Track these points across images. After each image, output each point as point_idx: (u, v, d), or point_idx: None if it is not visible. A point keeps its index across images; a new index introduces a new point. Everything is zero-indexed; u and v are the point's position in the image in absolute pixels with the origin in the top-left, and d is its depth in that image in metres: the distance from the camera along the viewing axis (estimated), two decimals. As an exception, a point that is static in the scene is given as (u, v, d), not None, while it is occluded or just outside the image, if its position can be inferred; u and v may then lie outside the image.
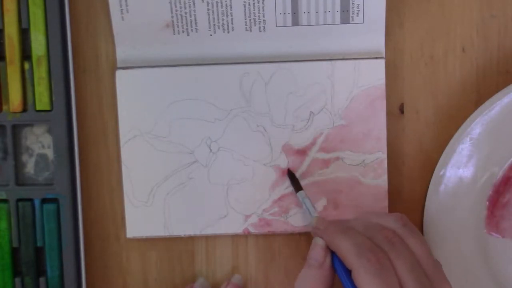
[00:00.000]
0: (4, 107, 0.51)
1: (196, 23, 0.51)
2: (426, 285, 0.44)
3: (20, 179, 0.51)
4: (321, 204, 0.52)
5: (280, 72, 0.51)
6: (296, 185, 0.51)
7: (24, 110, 0.50)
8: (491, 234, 0.52)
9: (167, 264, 0.54)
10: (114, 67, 0.52)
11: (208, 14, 0.51)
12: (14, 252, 0.51)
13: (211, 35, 0.51)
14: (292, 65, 0.51)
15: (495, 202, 0.52)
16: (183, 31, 0.51)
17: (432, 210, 0.52)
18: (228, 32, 0.51)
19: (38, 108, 0.50)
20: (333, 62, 0.51)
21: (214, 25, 0.51)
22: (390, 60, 0.52)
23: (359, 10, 0.50)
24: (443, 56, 0.52)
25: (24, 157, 0.52)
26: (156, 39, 0.51)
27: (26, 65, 0.50)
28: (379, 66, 0.51)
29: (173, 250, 0.54)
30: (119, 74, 0.52)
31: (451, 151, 0.51)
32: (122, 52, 0.52)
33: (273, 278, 0.54)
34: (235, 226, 0.53)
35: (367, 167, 0.52)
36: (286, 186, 0.52)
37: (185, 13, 0.51)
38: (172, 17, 0.51)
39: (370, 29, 0.51)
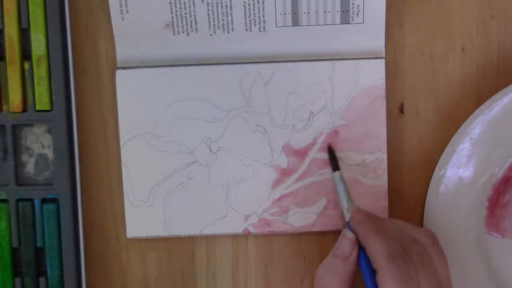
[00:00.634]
0: (4, 107, 0.51)
1: (196, 23, 0.51)
2: None
3: (20, 179, 0.51)
4: (321, 204, 0.52)
5: (280, 72, 0.51)
6: (334, 163, 0.51)
7: (24, 110, 0.50)
8: (491, 234, 0.52)
9: (167, 264, 0.54)
10: (114, 67, 0.52)
11: (208, 14, 0.51)
12: (14, 252, 0.51)
13: (211, 35, 0.51)
14: (292, 65, 0.51)
15: (495, 202, 0.52)
16: (183, 31, 0.51)
17: (432, 210, 0.52)
18: (228, 32, 0.51)
19: (38, 108, 0.50)
20: (333, 62, 0.51)
21: (214, 25, 0.51)
22: (390, 60, 0.52)
23: (359, 10, 0.50)
24: (443, 56, 0.52)
25: (24, 157, 0.52)
26: (156, 39, 0.51)
27: (26, 65, 0.50)
28: (379, 66, 0.51)
29: (173, 250, 0.54)
30: (119, 74, 0.52)
31: (451, 151, 0.51)
32: (122, 52, 0.52)
33: (273, 278, 0.54)
34: (235, 226, 0.53)
35: (367, 167, 0.52)
36: (286, 186, 0.52)
37: (185, 13, 0.51)
38: (172, 17, 0.51)
39: (370, 29, 0.51)
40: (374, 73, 0.51)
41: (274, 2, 0.50)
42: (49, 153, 0.52)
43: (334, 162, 0.51)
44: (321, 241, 0.54)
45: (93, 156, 0.53)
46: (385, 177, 0.52)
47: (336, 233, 0.53)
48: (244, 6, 0.50)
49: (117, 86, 0.52)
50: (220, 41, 0.51)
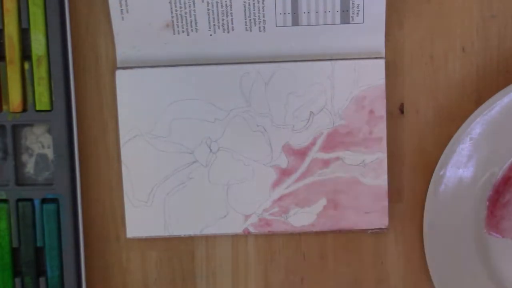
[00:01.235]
0: (4, 107, 0.51)
1: (196, 23, 0.51)
2: None
3: (20, 179, 0.51)
4: (321, 204, 0.52)
5: (280, 72, 0.51)
6: None
7: (24, 110, 0.50)
8: (491, 234, 0.52)
9: (167, 264, 0.54)
10: (114, 67, 0.52)
11: (208, 14, 0.51)
12: (14, 252, 0.51)
13: (211, 35, 0.51)
14: (292, 65, 0.51)
15: (495, 202, 0.52)
16: (183, 31, 0.51)
17: (432, 210, 0.52)
18: (228, 32, 0.51)
19: (38, 108, 0.50)
20: (333, 62, 0.51)
21: (214, 25, 0.51)
22: (390, 60, 0.52)
23: (359, 10, 0.50)
24: (443, 56, 0.52)
25: (24, 157, 0.52)
26: (156, 39, 0.51)
27: (26, 65, 0.50)
28: (379, 66, 0.51)
29: (173, 250, 0.54)
30: (119, 74, 0.52)
31: (451, 151, 0.51)
32: (122, 52, 0.52)
33: (273, 278, 0.54)
34: (235, 226, 0.53)
35: (367, 167, 0.52)
36: (286, 186, 0.52)
37: (185, 13, 0.51)
38: (172, 17, 0.51)
39: (370, 29, 0.51)
40: (374, 73, 0.51)
41: (274, 2, 0.50)
42: (49, 153, 0.52)
43: None
44: (321, 241, 0.54)
45: (93, 156, 0.53)
46: (385, 177, 0.52)
47: (336, 233, 0.53)
48: (244, 6, 0.50)
49: (117, 86, 0.52)
50: (220, 41, 0.51)
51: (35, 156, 0.52)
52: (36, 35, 0.50)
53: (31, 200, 0.51)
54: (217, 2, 0.50)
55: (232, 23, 0.51)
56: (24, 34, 0.50)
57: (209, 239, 0.54)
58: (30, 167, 0.52)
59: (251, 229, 0.53)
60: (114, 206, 0.53)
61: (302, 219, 0.53)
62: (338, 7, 0.50)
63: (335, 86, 0.51)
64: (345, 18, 0.51)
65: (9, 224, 0.51)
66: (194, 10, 0.50)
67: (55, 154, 0.50)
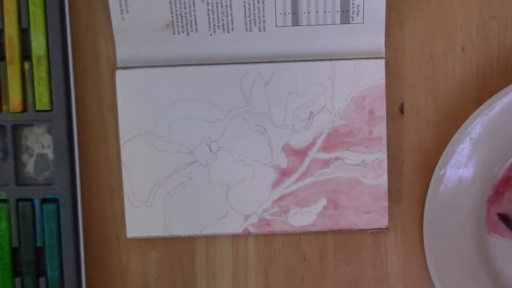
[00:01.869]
0: (4, 107, 0.51)
1: (196, 23, 0.51)
2: None
3: (20, 179, 0.51)
4: (321, 204, 0.52)
5: (280, 72, 0.51)
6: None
7: (24, 110, 0.50)
8: (491, 234, 0.52)
9: (167, 264, 0.54)
10: (114, 67, 0.52)
11: (208, 14, 0.51)
12: (14, 252, 0.51)
13: (211, 35, 0.51)
14: (292, 65, 0.51)
15: (495, 202, 0.52)
16: (183, 31, 0.51)
17: (432, 210, 0.52)
18: (228, 32, 0.51)
19: (38, 108, 0.50)
20: (333, 62, 0.51)
21: (214, 25, 0.51)
22: (390, 60, 0.52)
23: (359, 10, 0.50)
24: (443, 56, 0.52)
25: (24, 157, 0.52)
26: (156, 39, 0.51)
27: (26, 65, 0.50)
28: (379, 66, 0.51)
29: (173, 250, 0.54)
30: (119, 74, 0.52)
31: (451, 151, 0.51)
32: (122, 52, 0.52)
33: (273, 278, 0.54)
34: (235, 226, 0.53)
35: (367, 167, 0.52)
36: (286, 186, 0.52)
37: (185, 13, 0.51)
38: (172, 17, 0.51)
39: (370, 29, 0.51)
40: (374, 73, 0.51)
41: (274, 2, 0.50)
42: (49, 153, 0.52)
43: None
44: (321, 241, 0.54)
45: (93, 156, 0.53)
46: (385, 177, 0.52)
47: (336, 233, 0.53)
48: (244, 6, 0.50)
49: (117, 86, 0.52)
50: (220, 41, 0.51)
51: (35, 156, 0.52)
52: (36, 35, 0.50)
53: (31, 200, 0.51)
54: (217, 2, 0.50)
55: (232, 23, 0.51)
56: (24, 34, 0.50)
57: (209, 239, 0.54)
58: (30, 167, 0.52)
59: (251, 229, 0.53)
60: (114, 206, 0.53)
61: (302, 219, 0.53)
62: (338, 7, 0.50)
63: (335, 86, 0.51)
64: (345, 18, 0.51)
65: (9, 224, 0.51)
66: (194, 10, 0.50)
67: (55, 154, 0.50)
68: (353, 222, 0.52)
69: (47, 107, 0.50)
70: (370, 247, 0.54)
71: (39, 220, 0.51)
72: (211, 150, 0.52)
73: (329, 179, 0.52)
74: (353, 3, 0.50)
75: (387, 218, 0.52)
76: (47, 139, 0.52)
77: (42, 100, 0.50)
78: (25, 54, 0.50)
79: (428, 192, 0.52)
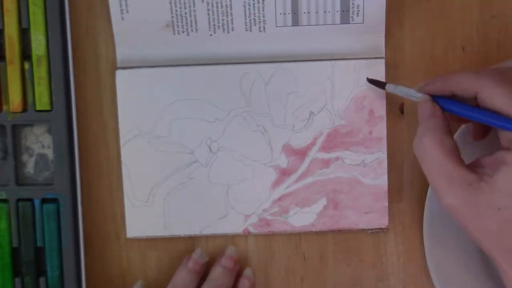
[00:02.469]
0: (4, 107, 0.51)
1: (196, 23, 0.51)
2: None
3: (20, 179, 0.51)
4: (321, 204, 0.52)
5: (280, 72, 0.51)
6: (378, 83, 0.50)
7: (24, 110, 0.50)
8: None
9: (167, 264, 0.54)
10: (114, 67, 0.52)
11: (208, 14, 0.51)
12: (14, 252, 0.51)
13: (211, 35, 0.51)
14: (292, 65, 0.51)
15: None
16: (183, 31, 0.51)
17: (432, 210, 0.52)
18: (228, 32, 0.51)
19: (38, 108, 0.50)
20: (333, 62, 0.51)
21: (214, 25, 0.51)
22: (390, 60, 0.52)
23: (359, 10, 0.50)
24: (443, 56, 0.52)
25: (24, 157, 0.52)
26: (156, 39, 0.51)
27: (26, 65, 0.50)
28: (379, 66, 0.51)
29: (173, 250, 0.54)
30: (119, 74, 0.52)
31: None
32: (122, 52, 0.52)
33: (273, 278, 0.54)
34: (235, 226, 0.53)
35: (367, 167, 0.52)
36: (286, 186, 0.52)
37: (185, 13, 0.51)
38: (172, 17, 0.51)
39: (370, 29, 0.51)
40: (374, 73, 0.51)
41: (274, 2, 0.50)
42: (49, 153, 0.52)
43: (377, 83, 0.50)
44: (321, 241, 0.54)
45: (93, 156, 0.53)
46: (385, 177, 0.52)
47: (336, 233, 0.53)
48: (244, 6, 0.50)
49: (117, 86, 0.52)
50: (220, 41, 0.51)
51: (35, 156, 0.52)
52: (36, 35, 0.50)
53: (31, 200, 0.51)
54: (217, 2, 0.50)
55: (232, 23, 0.51)
56: (24, 34, 0.50)
57: (209, 239, 0.54)
58: (30, 167, 0.52)
59: (251, 229, 0.53)
60: (114, 206, 0.53)
61: (302, 219, 0.53)
62: (338, 7, 0.50)
63: (335, 86, 0.52)
64: (345, 18, 0.51)
65: (9, 224, 0.51)
66: (194, 10, 0.50)
67: (55, 154, 0.50)
68: (353, 222, 0.53)
69: (47, 107, 0.50)
70: (370, 247, 0.54)
71: (39, 220, 0.51)
72: (211, 150, 0.52)
73: (329, 179, 0.52)
74: (353, 3, 0.50)
75: (387, 218, 0.52)
76: (47, 139, 0.52)
77: (42, 100, 0.50)
78: (25, 54, 0.50)
79: (428, 192, 0.52)
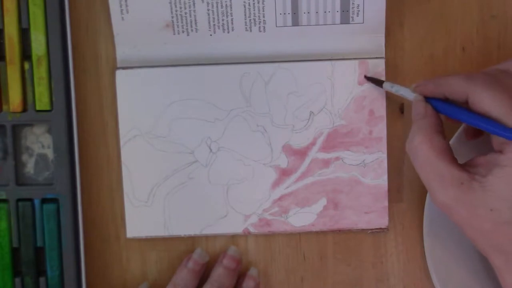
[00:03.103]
0: (4, 107, 0.51)
1: (196, 23, 0.51)
2: None
3: (20, 179, 0.51)
4: (321, 204, 0.52)
5: (280, 72, 0.51)
6: (376, 81, 0.51)
7: (24, 110, 0.50)
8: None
9: (167, 264, 0.54)
10: (114, 67, 0.52)
11: (208, 14, 0.51)
12: (14, 252, 0.51)
13: (211, 35, 0.51)
14: (292, 65, 0.51)
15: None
16: (183, 31, 0.51)
17: (432, 210, 0.52)
18: (228, 32, 0.51)
19: (38, 108, 0.50)
20: (333, 62, 0.51)
21: (214, 25, 0.51)
22: (390, 60, 0.52)
23: (359, 10, 0.50)
24: (443, 56, 0.52)
25: (24, 157, 0.52)
26: (156, 39, 0.51)
27: (26, 65, 0.50)
28: (379, 66, 0.51)
29: (173, 250, 0.54)
30: (119, 74, 0.52)
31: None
32: (122, 52, 0.52)
33: (273, 278, 0.54)
34: (235, 226, 0.53)
35: (367, 167, 0.52)
36: (286, 186, 0.52)
37: (185, 13, 0.51)
38: (172, 17, 0.51)
39: (370, 29, 0.51)
40: (374, 73, 0.51)
41: (274, 2, 0.50)
42: (49, 153, 0.52)
43: (375, 81, 0.51)
44: (321, 241, 0.54)
45: (93, 156, 0.53)
46: (385, 177, 0.52)
47: (336, 233, 0.53)
48: (244, 6, 0.50)
49: (117, 86, 0.52)
50: (220, 41, 0.51)
51: (35, 156, 0.52)
52: (36, 35, 0.50)
53: (31, 200, 0.51)
54: (217, 2, 0.50)
55: (232, 23, 0.51)
56: (24, 34, 0.50)
57: (209, 239, 0.54)
58: (30, 167, 0.52)
59: (251, 229, 0.53)
60: (114, 206, 0.53)
61: (302, 219, 0.53)
62: (338, 7, 0.50)
63: (335, 86, 0.52)
64: (345, 18, 0.51)
65: (9, 224, 0.51)
66: (194, 10, 0.50)
67: (55, 154, 0.50)
68: (353, 222, 0.53)
69: (47, 107, 0.50)
70: (370, 247, 0.54)
71: (39, 220, 0.51)
72: (211, 150, 0.52)
73: (329, 179, 0.52)
74: (353, 3, 0.50)
75: (387, 218, 0.52)
76: (47, 139, 0.52)
77: (42, 100, 0.50)
78: (25, 54, 0.50)
79: (428, 192, 0.52)
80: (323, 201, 0.52)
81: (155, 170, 0.52)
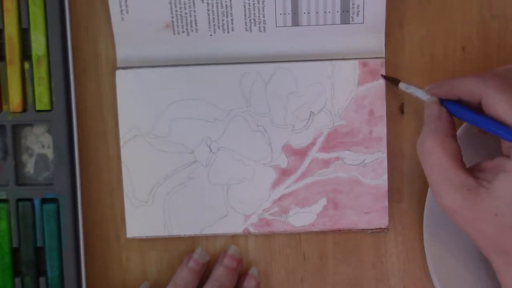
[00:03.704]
0: (4, 107, 0.51)
1: (196, 23, 0.51)
2: None
3: (20, 179, 0.51)
4: (321, 204, 0.52)
5: (280, 72, 0.51)
6: (392, 80, 0.51)
7: (24, 110, 0.50)
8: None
9: (167, 264, 0.54)
10: (114, 67, 0.52)
11: (208, 14, 0.51)
12: (14, 252, 0.51)
13: (211, 35, 0.51)
14: (292, 65, 0.51)
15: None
16: (183, 31, 0.51)
17: (432, 210, 0.52)
18: (228, 32, 0.51)
19: (38, 108, 0.50)
20: (333, 62, 0.51)
21: (214, 25, 0.51)
22: (390, 60, 0.52)
23: (359, 10, 0.50)
24: (443, 56, 0.52)
25: (24, 157, 0.52)
26: (156, 39, 0.51)
27: (26, 65, 0.50)
28: (379, 66, 0.51)
29: (173, 250, 0.54)
30: (119, 74, 0.52)
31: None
32: (122, 52, 0.52)
33: (273, 278, 0.54)
34: (235, 226, 0.53)
35: (367, 167, 0.52)
36: (286, 186, 0.52)
37: (185, 13, 0.51)
38: (172, 17, 0.51)
39: (370, 29, 0.51)
40: (374, 73, 0.51)
41: (274, 2, 0.50)
42: (49, 153, 0.52)
43: (391, 80, 0.51)
44: (321, 241, 0.54)
45: (93, 156, 0.53)
46: (385, 177, 0.52)
47: (336, 233, 0.53)
48: (244, 6, 0.50)
49: (117, 86, 0.52)
50: (220, 41, 0.51)
51: (35, 156, 0.52)
52: (36, 35, 0.50)
53: (31, 200, 0.51)
54: (217, 2, 0.50)
55: (232, 23, 0.51)
56: (24, 34, 0.50)
57: (209, 239, 0.54)
58: (30, 167, 0.52)
59: (251, 229, 0.53)
60: (114, 206, 0.53)
61: (302, 219, 0.53)
62: (338, 7, 0.50)
63: (335, 86, 0.52)
64: (345, 18, 0.51)
65: (9, 224, 0.51)
66: (194, 10, 0.50)
67: (55, 154, 0.50)
68: (353, 222, 0.53)
69: (47, 107, 0.50)
70: (370, 247, 0.54)
71: (39, 220, 0.51)
72: (211, 150, 0.52)
73: (329, 179, 0.52)
74: (353, 3, 0.50)
75: (387, 218, 0.52)
76: (47, 139, 0.52)
77: (42, 100, 0.50)
78: (25, 54, 0.50)
79: (428, 192, 0.52)
80: (323, 201, 0.52)
81: (155, 170, 0.52)
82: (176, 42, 0.51)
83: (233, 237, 0.54)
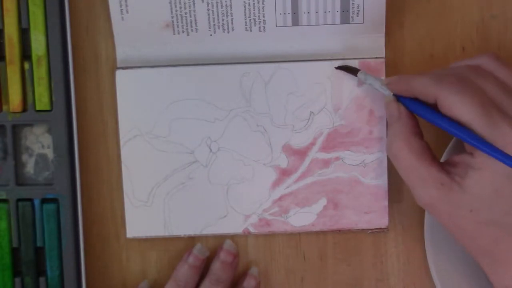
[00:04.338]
0: (4, 107, 0.51)
1: (196, 23, 0.51)
2: None
3: (20, 179, 0.51)
4: (321, 204, 0.52)
5: (280, 72, 0.51)
6: (350, 70, 0.51)
7: (24, 110, 0.50)
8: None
9: (167, 264, 0.54)
10: (114, 67, 0.52)
11: (208, 14, 0.51)
12: (14, 252, 0.51)
13: (211, 35, 0.51)
14: (292, 65, 0.51)
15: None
16: (183, 31, 0.51)
17: (432, 210, 0.52)
18: (228, 32, 0.51)
19: (38, 108, 0.50)
20: (333, 62, 0.51)
21: (214, 25, 0.51)
22: (390, 60, 0.52)
23: (359, 10, 0.50)
24: (443, 56, 0.52)
25: (24, 157, 0.52)
26: (156, 39, 0.51)
27: (26, 65, 0.50)
28: (379, 66, 0.51)
29: (173, 250, 0.54)
30: (119, 74, 0.52)
31: (452, 151, 0.51)
32: (122, 52, 0.52)
33: (273, 278, 0.54)
34: (235, 226, 0.53)
35: (367, 167, 0.52)
36: (286, 186, 0.52)
37: (185, 13, 0.51)
38: (172, 17, 0.51)
39: (370, 29, 0.51)
40: (374, 73, 0.51)
41: (274, 2, 0.50)
42: (49, 153, 0.52)
43: (350, 70, 0.51)
44: (321, 241, 0.54)
45: (93, 156, 0.53)
46: (385, 177, 0.52)
47: (336, 233, 0.53)
48: (244, 6, 0.50)
49: (117, 86, 0.52)
50: (220, 41, 0.51)
51: (35, 156, 0.52)
52: (36, 35, 0.50)
53: (31, 200, 0.51)
54: (217, 2, 0.50)
55: (232, 23, 0.51)
56: (24, 34, 0.50)
57: (209, 239, 0.54)
58: (30, 167, 0.52)
59: (251, 229, 0.53)
60: (114, 206, 0.53)
61: (302, 219, 0.53)
62: (338, 7, 0.50)
63: (335, 86, 0.52)
64: (345, 18, 0.51)
65: (9, 224, 0.51)
66: (194, 10, 0.50)
67: (55, 154, 0.50)
68: (353, 222, 0.53)
69: (47, 107, 0.50)
70: (370, 247, 0.54)
71: (39, 220, 0.51)
72: (211, 150, 0.52)
73: (329, 179, 0.52)
74: (353, 3, 0.50)
75: (387, 218, 0.52)
76: (47, 139, 0.52)
77: (42, 100, 0.50)
78: (25, 54, 0.50)
79: (428, 192, 0.52)
80: (323, 201, 0.52)
81: (155, 170, 0.52)
82: (176, 42, 0.51)
83: (233, 237, 0.54)
